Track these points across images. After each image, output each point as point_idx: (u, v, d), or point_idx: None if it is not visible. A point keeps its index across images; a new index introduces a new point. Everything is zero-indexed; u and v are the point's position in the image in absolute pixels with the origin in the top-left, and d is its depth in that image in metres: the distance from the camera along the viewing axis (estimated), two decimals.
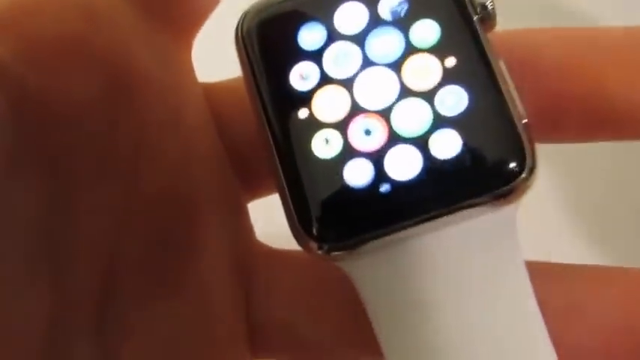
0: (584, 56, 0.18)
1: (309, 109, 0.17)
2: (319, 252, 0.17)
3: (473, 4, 0.17)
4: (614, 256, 0.31)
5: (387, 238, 0.16)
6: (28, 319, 0.17)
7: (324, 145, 0.17)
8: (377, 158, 0.16)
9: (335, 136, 0.17)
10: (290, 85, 0.17)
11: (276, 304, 0.20)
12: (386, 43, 0.17)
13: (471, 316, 0.17)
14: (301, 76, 0.17)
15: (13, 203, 0.17)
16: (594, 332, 0.18)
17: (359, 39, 0.17)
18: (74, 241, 0.18)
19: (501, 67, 0.17)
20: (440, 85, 0.17)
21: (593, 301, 0.18)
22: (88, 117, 0.17)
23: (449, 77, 0.17)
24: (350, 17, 0.17)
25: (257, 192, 0.21)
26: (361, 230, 0.16)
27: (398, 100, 0.17)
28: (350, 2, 0.17)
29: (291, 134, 0.17)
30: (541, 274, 0.17)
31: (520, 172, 0.16)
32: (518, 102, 0.17)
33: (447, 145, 0.16)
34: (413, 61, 0.17)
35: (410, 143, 0.16)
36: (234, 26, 0.18)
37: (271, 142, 0.17)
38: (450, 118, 0.16)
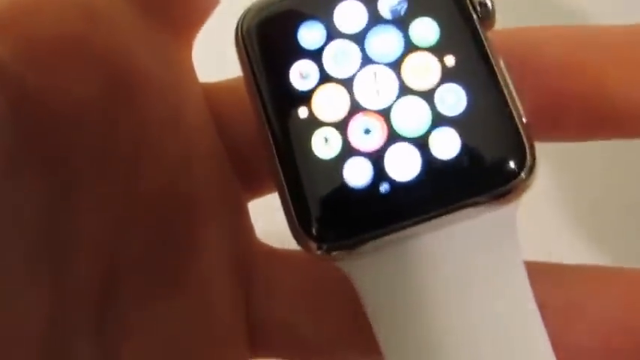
0: (585, 54, 0.18)
1: (309, 108, 0.17)
2: (318, 252, 0.17)
3: (473, 3, 0.17)
4: (613, 256, 0.31)
5: (387, 238, 0.16)
6: (28, 318, 0.17)
7: (324, 145, 0.17)
8: (376, 158, 0.16)
9: (334, 135, 0.17)
10: (290, 84, 0.17)
11: (276, 303, 0.20)
12: (385, 42, 0.17)
13: (470, 316, 0.17)
14: (301, 75, 0.17)
15: (13, 203, 0.17)
16: (593, 332, 0.18)
17: (359, 38, 0.17)
18: (74, 241, 0.18)
19: (501, 65, 0.17)
20: (439, 84, 0.17)
21: (592, 301, 0.18)
22: (88, 116, 0.17)
23: (448, 76, 0.17)
24: (350, 16, 0.17)
25: (257, 191, 0.21)
26: (360, 230, 0.16)
27: (397, 99, 0.17)
28: (350, 1, 0.17)
29: (291, 133, 0.17)
30: (540, 274, 0.17)
31: (519, 172, 0.16)
32: (518, 101, 0.17)
33: (447, 144, 0.16)
34: (412, 59, 0.17)
35: (409, 142, 0.16)
36: (234, 26, 0.18)
37: (271, 142, 0.17)
38: (450, 117, 0.16)
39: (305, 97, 0.17)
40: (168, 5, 0.19)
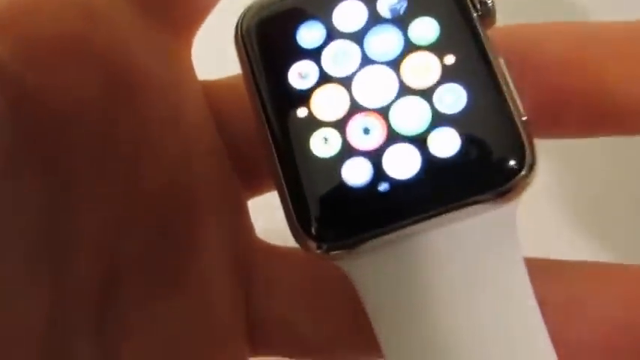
0: (585, 51, 0.18)
1: (308, 107, 0.17)
2: (318, 251, 0.17)
3: (473, 1, 0.17)
4: (613, 253, 0.31)
5: (386, 237, 0.16)
6: (28, 318, 0.17)
7: (323, 144, 0.17)
8: (376, 157, 0.16)
9: (334, 134, 0.17)
10: (289, 84, 0.17)
11: (276, 302, 0.20)
12: (385, 41, 0.17)
13: (470, 314, 0.17)
14: (300, 74, 0.17)
15: (13, 203, 0.17)
16: (594, 328, 0.18)
17: (358, 37, 0.17)
18: (74, 241, 0.18)
19: (501, 64, 0.17)
20: (439, 83, 0.17)
21: (592, 298, 0.18)
22: (88, 115, 0.17)
23: (448, 75, 0.17)
24: (349, 15, 0.17)
25: (257, 189, 0.21)
26: (360, 229, 0.16)
27: (397, 98, 0.17)
28: (349, 0, 0.17)
29: (290, 133, 0.17)
30: (541, 270, 0.17)
31: (519, 170, 0.16)
32: (517, 99, 0.17)
33: (446, 143, 0.16)
34: (412, 59, 0.17)
35: (409, 142, 0.16)
36: (234, 24, 0.18)
37: (270, 141, 0.17)
38: (449, 116, 0.16)
39: (304, 97, 0.17)
40: (167, 4, 0.19)
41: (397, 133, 0.17)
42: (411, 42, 0.17)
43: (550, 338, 0.17)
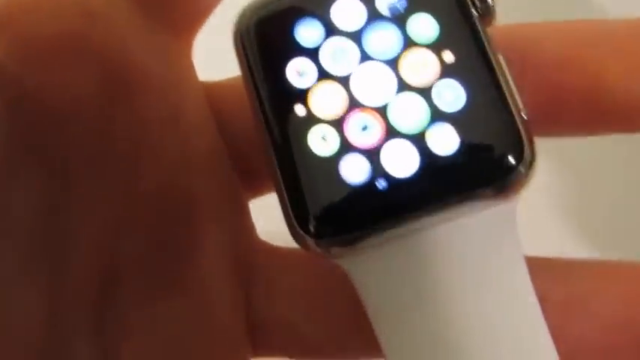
0: (585, 49, 0.18)
1: (307, 105, 0.17)
2: (317, 249, 0.17)
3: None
4: (613, 251, 0.31)
5: (385, 234, 0.16)
6: (27, 319, 0.17)
7: (321, 142, 0.17)
8: (374, 154, 0.16)
9: (332, 132, 0.17)
10: (287, 82, 0.17)
11: (277, 302, 0.20)
12: (384, 39, 0.17)
13: (470, 313, 0.17)
14: (298, 72, 0.17)
15: (11, 203, 0.17)
16: (595, 325, 0.18)
17: (357, 35, 0.17)
18: (73, 241, 0.18)
19: (500, 61, 0.17)
20: (438, 80, 0.17)
21: (593, 295, 0.18)
22: (85, 113, 0.17)
23: (447, 72, 0.17)
24: (348, 13, 0.17)
25: (258, 190, 0.21)
26: (358, 226, 0.16)
27: (395, 95, 0.17)
28: None
29: (289, 131, 0.17)
30: (541, 268, 0.17)
31: (518, 167, 0.16)
32: (517, 96, 0.17)
33: (445, 140, 0.16)
34: (411, 56, 0.17)
35: (407, 139, 0.16)
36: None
37: (268, 139, 0.17)
38: (448, 113, 0.16)
39: (303, 95, 0.17)
40: (167, 4, 0.19)
41: (396, 131, 0.16)
42: (410, 39, 0.17)
43: (551, 335, 0.17)
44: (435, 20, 0.17)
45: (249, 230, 0.21)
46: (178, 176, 0.19)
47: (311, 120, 0.17)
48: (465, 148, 0.16)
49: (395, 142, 0.16)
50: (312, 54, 0.17)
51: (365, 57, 0.17)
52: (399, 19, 0.17)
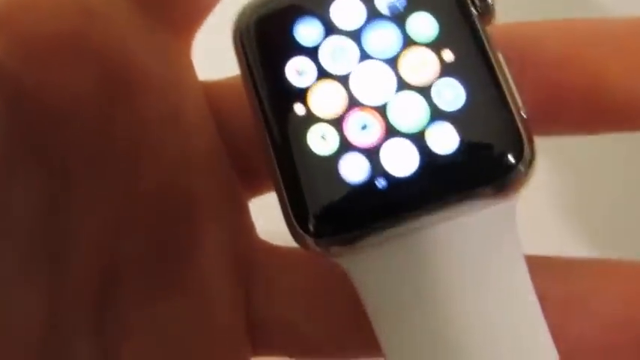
0: (585, 47, 0.18)
1: (306, 104, 0.17)
2: (317, 248, 0.17)
3: None
4: (613, 251, 0.31)
5: (385, 233, 0.16)
6: (27, 319, 0.17)
7: (321, 141, 0.17)
8: (373, 153, 0.16)
9: (331, 131, 0.17)
10: (287, 81, 0.17)
11: (277, 301, 0.20)
12: (383, 38, 0.17)
13: (470, 312, 0.17)
14: (298, 71, 0.17)
15: (10, 202, 0.17)
16: (594, 324, 0.18)
17: (356, 34, 0.17)
18: (73, 241, 0.18)
19: (500, 60, 0.17)
20: (437, 79, 0.17)
21: (593, 294, 0.18)
22: (85, 112, 0.17)
23: (447, 71, 0.17)
24: (347, 12, 0.17)
25: (258, 189, 0.21)
26: (358, 225, 0.16)
27: (395, 94, 0.17)
28: None
29: (288, 130, 0.17)
30: (541, 267, 0.17)
31: (518, 165, 0.16)
32: (516, 95, 0.17)
33: (445, 139, 0.16)
34: (410, 55, 0.17)
35: (407, 138, 0.16)
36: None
37: (268, 138, 0.17)
38: (448, 112, 0.16)
39: (302, 94, 0.17)
40: (167, 4, 0.19)
41: (395, 130, 0.16)
42: (409, 38, 0.17)
43: (550, 334, 0.17)
44: (434, 19, 0.17)
45: (249, 229, 0.21)
46: (178, 175, 0.19)
47: (310, 119, 0.17)
48: (465, 146, 0.16)
49: (394, 141, 0.16)
50: (312, 53, 0.17)
51: (364, 56, 0.17)
52: (399, 18, 0.17)
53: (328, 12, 0.17)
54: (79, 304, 0.18)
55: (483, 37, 0.17)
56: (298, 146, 0.17)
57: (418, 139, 0.16)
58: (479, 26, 0.17)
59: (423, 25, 0.17)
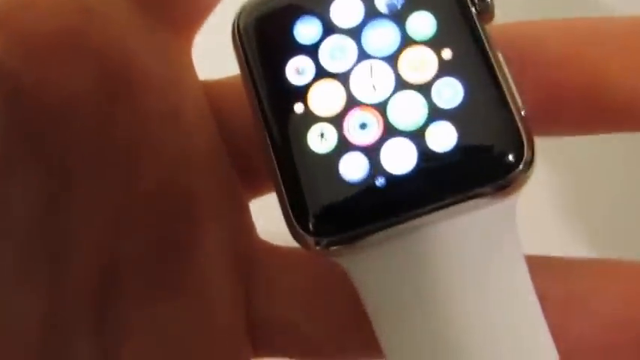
0: (584, 46, 0.18)
1: (305, 103, 0.17)
2: (317, 247, 0.17)
3: None
4: (612, 250, 0.31)
5: (384, 232, 0.16)
6: (27, 319, 0.17)
7: (320, 140, 0.17)
8: (373, 152, 0.16)
9: (330, 130, 0.17)
10: (286, 80, 0.17)
11: (277, 302, 0.20)
12: (382, 36, 0.17)
13: (470, 311, 0.17)
14: (297, 70, 0.17)
15: (9, 201, 0.17)
16: (594, 324, 0.18)
17: (355, 32, 0.17)
18: (72, 240, 0.18)
19: (500, 59, 0.17)
20: (437, 77, 0.17)
21: (593, 294, 0.18)
22: (83, 110, 0.17)
23: (446, 69, 0.17)
24: (346, 10, 0.17)
25: (258, 190, 0.21)
26: (358, 224, 0.16)
27: (394, 93, 0.17)
28: None
29: (287, 129, 0.17)
30: (541, 267, 0.17)
31: (518, 164, 0.16)
32: (516, 94, 0.17)
33: (444, 137, 0.16)
34: (409, 53, 0.17)
35: (406, 136, 0.16)
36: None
37: (267, 137, 0.17)
38: (447, 110, 0.16)
39: (301, 93, 0.17)
40: (168, 3, 0.19)
41: (394, 128, 0.16)
42: (408, 37, 0.17)
43: (550, 334, 0.17)
44: (433, 17, 0.17)
45: (249, 229, 0.21)
46: (178, 175, 0.19)
47: (309, 118, 0.17)
48: (464, 146, 0.16)
49: (394, 140, 0.16)
50: (311, 52, 0.17)
51: (363, 54, 0.17)
52: (398, 17, 0.17)
53: (327, 11, 0.17)
54: (79, 304, 0.18)
55: (483, 36, 0.17)
56: (298, 145, 0.17)
57: (418, 137, 0.16)
58: (478, 25, 0.17)
59: (422, 23, 0.17)
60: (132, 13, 0.18)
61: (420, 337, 0.17)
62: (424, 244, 0.17)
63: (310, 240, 0.17)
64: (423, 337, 0.17)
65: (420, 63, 0.17)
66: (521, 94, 0.17)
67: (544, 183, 0.33)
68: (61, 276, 0.18)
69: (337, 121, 0.17)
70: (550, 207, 0.33)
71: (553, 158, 0.33)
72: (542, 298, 0.17)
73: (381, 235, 0.16)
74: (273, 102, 0.17)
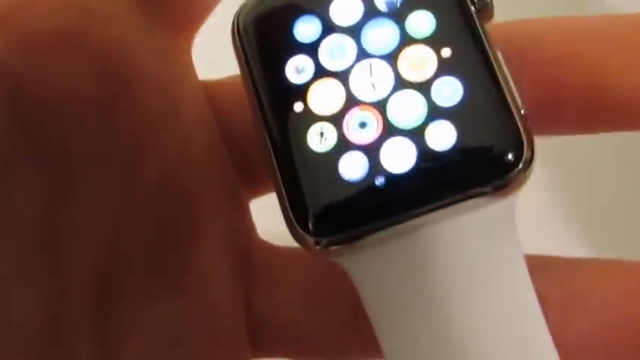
0: (584, 44, 0.18)
1: (305, 102, 0.17)
2: (317, 247, 0.17)
3: None
4: (612, 250, 0.31)
5: (384, 232, 0.16)
6: (27, 319, 0.17)
7: (320, 139, 0.17)
8: (372, 151, 0.16)
9: (330, 129, 0.17)
10: (286, 79, 0.17)
11: (278, 301, 0.20)
12: (381, 35, 0.17)
13: (470, 311, 0.17)
14: (297, 69, 0.17)
15: (10, 199, 0.17)
16: (594, 324, 0.18)
17: (354, 31, 0.17)
18: (72, 239, 0.18)
19: (499, 57, 0.17)
20: (436, 76, 0.17)
21: (592, 294, 0.18)
22: (84, 109, 0.17)
23: (445, 68, 0.17)
24: (346, 9, 0.17)
25: (258, 190, 0.21)
26: (357, 223, 0.16)
27: (393, 92, 0.17)
28: None
29: (287, 128, 0.17)
30: (540, 267, 0.17)
31: (517, 164, 0.16)
32: (515, 93, 0.16)
33: (443, 136, 0.16)
34: (409, 52, 0.17)
35: (405, 135, 0.16)
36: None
37: (267, 136, 0.17)
38: (447, 109, 0.16)
39: (301, 92, 0.17)
40: (167, 3, 0.19)
41: (394, 127, 0.16)
42: (407, 35, 0.17)
43: (550, 334, 0.17)
44: (432, 16, 0.17)
45: (249, 229, 0.21)
46: (178, 175, 0.19)
47: (309, 117, 0.17)
48: (464, 145, 0.16)
49: (393, 139, 0.16)
50: (310, 50, 0.17)
51: (363, 53, 0.17)
52: (397, 15, 0.17)
53: (327, 9, 0.17)
54: (80, 304, 0.18)
55: (482, 34, 0.17)
56: (297, 144, 0.17)
57: (417, 136, 0.16)
58: (477, 23, 0.17)
59: (421, 22, 0.17)
60: (132, 12, 0.18)
61: (419, 337, 0.17)
62: (424, 244, 0.17)
63: (310, 240, 0.17)
64: (423, 337, 0.17)
65: (420, 62, 0.17)
66: (520, 92, 0.17)
67: (544, 183, 0.33)
68: (62, 276, 0.18)
69: (337, 120, 0.17)
70: (549, 207, 0.33)
71: (553, 158, 0.33)
72: (542, 298, 0.17)
73: (380, 234, 0.16)
74: (273, 101, 0.17)
